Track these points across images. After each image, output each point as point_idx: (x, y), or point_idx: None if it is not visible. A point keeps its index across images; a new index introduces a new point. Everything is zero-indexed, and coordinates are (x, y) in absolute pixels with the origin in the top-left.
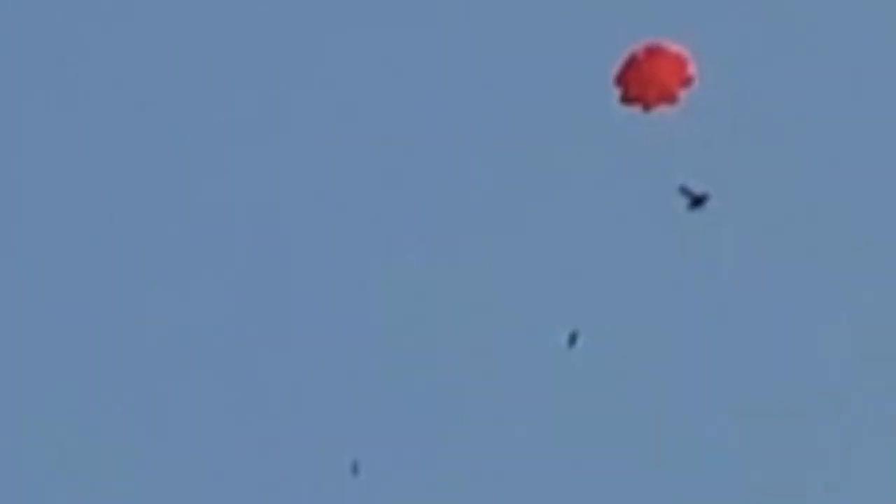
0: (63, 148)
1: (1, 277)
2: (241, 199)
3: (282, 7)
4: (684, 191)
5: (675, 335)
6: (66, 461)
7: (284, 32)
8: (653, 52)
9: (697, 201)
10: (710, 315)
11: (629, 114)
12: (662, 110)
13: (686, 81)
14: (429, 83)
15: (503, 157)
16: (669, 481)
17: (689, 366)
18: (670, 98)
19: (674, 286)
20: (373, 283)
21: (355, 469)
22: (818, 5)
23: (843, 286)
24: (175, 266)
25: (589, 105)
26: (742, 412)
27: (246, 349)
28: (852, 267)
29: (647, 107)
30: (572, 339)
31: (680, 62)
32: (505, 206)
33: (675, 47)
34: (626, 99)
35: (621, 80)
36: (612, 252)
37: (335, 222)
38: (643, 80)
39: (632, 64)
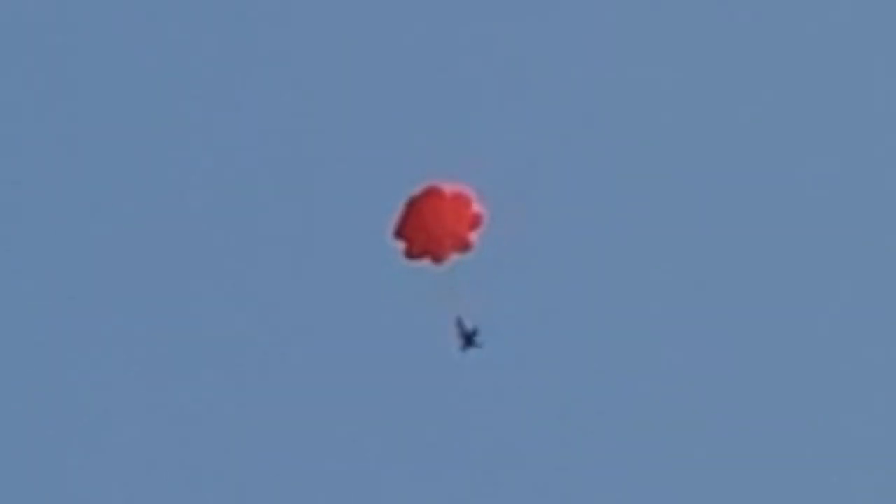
0: None
1: None
2: None
3: None
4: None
5: None
6: None
7: None
8: (430, 195)
9: (469, 339)
10: None
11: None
12: (454, 259)
13: (474, 221)
14: None
15: None
16: None
17: None
18: (463, 245)
19: None
20: None
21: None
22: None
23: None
24: None
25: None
26: None
27: None
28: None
29: (437, 259)
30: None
31: (462, 202)
32: None
33: (453, 187)
34: (412, 255)
35: (402, 233)
36: None
37: None
38: (427, 231)
39: (410, 214)
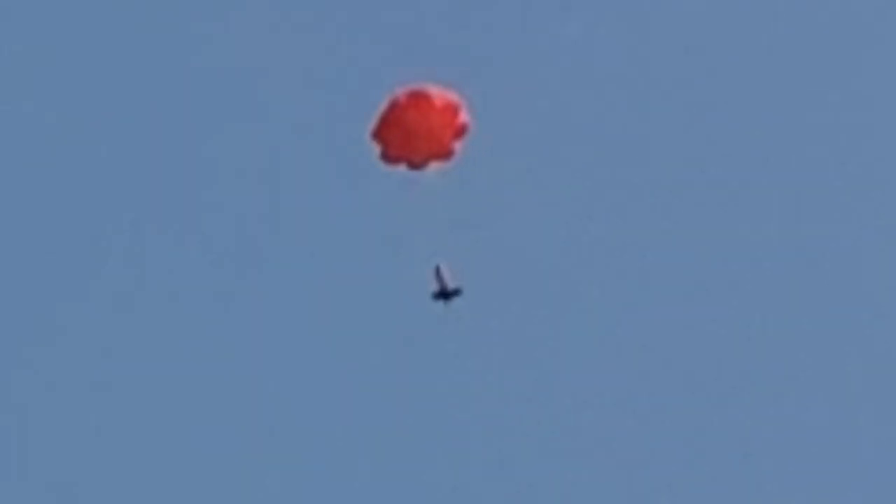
0: None
1: None
2: None
3: None
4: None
5: None
6: None
7: None
8: (417, 98)
9: (447, 295)
10: None
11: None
12: (433, 167)
13: (459, 131)
14: None
15: None
16: None
17: None
18: (444, 153)
19: None
20: None
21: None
22: None
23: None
24: None
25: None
26: None
27: None
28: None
29: (414, 165)
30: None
31: (450, 109)
32: None
33: (441, 92)
34: (388, 158)
35: (380, 134)
36: None
37: None
38: (408, 135)
39: (393, 114)
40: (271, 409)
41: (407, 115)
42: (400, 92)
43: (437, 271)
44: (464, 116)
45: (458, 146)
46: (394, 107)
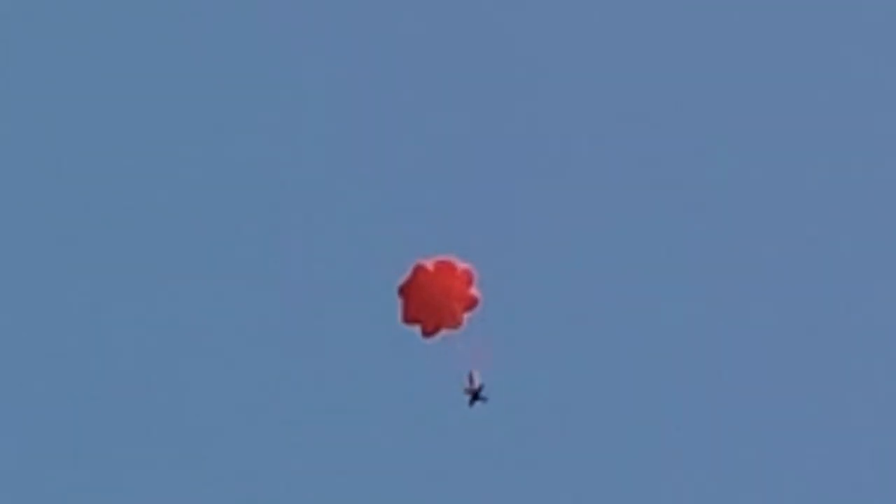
0: None
1: None
2: None
3: None
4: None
5: None
6: None
7: None
8: (441, 269)
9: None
10: None
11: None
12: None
13: (471, 303)
14: None
15: None
16: None
17: None
18: (454, 324)
19: None
20: None
21: None
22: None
23: None
24: None
25: None
26: None
27: None
28: None
29: (427, 334)
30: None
31: (466, 282)
32: None
33: (462, 265)
34: (408, 319)
35: (405, 294)
36: None
37: None
38: (429, 304)
39: (417, 280)
40: None
41: (431, 285)
42: (425, 261)
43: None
44: (475, 291)
45: (466, 317)
46: (419, 272)
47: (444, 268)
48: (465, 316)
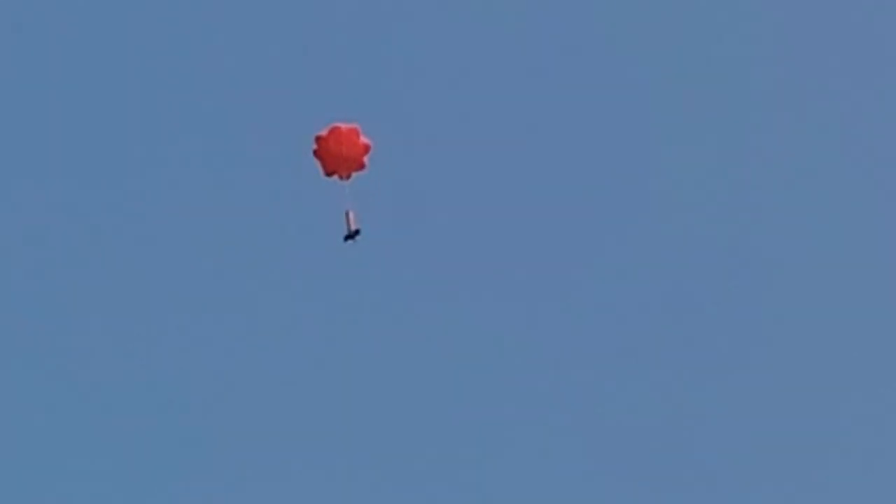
0: None
1: None
2: None
3: None
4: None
5: None
6: None
7: None
8: (334, 132)
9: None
10: None
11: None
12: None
13: (365, 149)
14: None
15: None
16: None
17: None
18: (360, 166)
19: None
20: None
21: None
22: None
23: None
24: None
25: None
26: None
27: None
28: None
29: (343, 177)
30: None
31: (357, 137)
32: None
33: (348, 126)
34: (328, 173)
35: (318, 157)
36: None
37: None
38: (337, 157)
39: (322, 145)
40: None
41: (330, 145)
42: (321, 130)
43: (347, 217)
44: (366, 139)
45: (366, 160)
46: (320, 139)
47: (335, 131)
48: (365, 159)
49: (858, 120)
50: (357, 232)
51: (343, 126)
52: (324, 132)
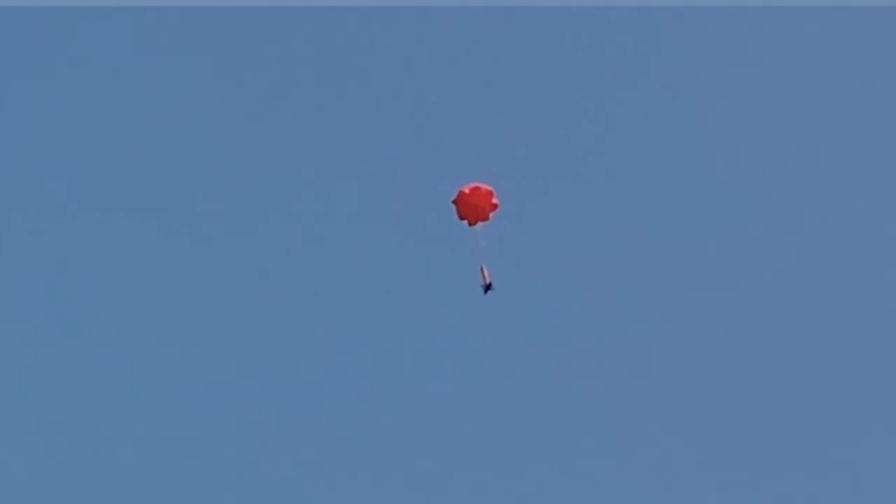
0: None
1: None
2: None
3: None
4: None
5: None
6: None
7: None
8: (473, 189)
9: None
10: None
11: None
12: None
13: (494, 207)
14: None
15: None
16: None
17: None
18: (485, 218)
19: None
20: None
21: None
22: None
23: None
24: None
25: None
26: None
27: None
28: None
29: (471, 223)
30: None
31: (490, 195)
32: None
33: (486, 187)
34: (460, 217)
35: (456, 205)
36: None
37: None
38: (469, 208)
39: (461, 196)
40: None
41: (468, 197)
42: (464, 186)
43: (481, 271)
44: (496, 200)
45: (492, 215)
46: (461, 192)
47: (474, 189)
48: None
49: None
50: (490, 286)
51: (483, 186)
52: (466, 188)
